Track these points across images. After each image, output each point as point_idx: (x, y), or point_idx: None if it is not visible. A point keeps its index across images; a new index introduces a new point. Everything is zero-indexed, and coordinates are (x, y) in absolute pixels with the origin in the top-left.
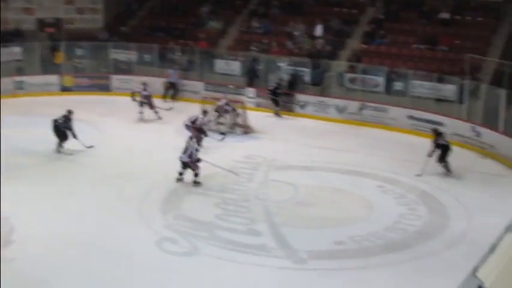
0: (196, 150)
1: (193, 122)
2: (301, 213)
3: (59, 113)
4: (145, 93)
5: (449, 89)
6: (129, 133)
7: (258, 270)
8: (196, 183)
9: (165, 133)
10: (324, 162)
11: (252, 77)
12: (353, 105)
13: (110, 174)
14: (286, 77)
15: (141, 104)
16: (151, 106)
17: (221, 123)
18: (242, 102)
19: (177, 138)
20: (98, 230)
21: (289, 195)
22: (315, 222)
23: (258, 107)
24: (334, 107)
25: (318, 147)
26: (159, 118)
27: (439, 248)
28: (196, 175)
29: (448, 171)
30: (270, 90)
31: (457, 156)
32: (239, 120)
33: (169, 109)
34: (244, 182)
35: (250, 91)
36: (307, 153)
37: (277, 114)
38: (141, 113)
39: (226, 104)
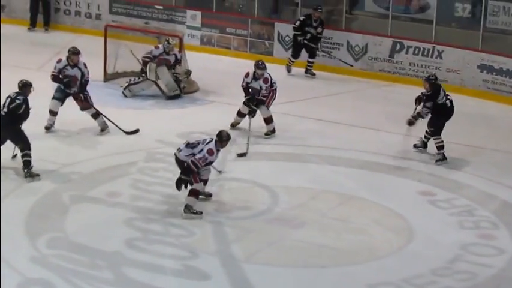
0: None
1: None
2: (281, 240)
3: None
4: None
5: None
6: None
7: None
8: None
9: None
10: (323, 146)
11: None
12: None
13: None
14: None
15: None
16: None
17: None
18: (179, 38)
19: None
20: None
21: (260, 206)
22: (305, 257)
23: (205, 45)
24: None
25: (315, 119)
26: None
27: None
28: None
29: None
30: (297, 28)
31: None
32: (178, 71)
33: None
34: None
35: (192, 16)
36: (293, 129)
37: (308, 71)
38: None
39: (165, 51)
